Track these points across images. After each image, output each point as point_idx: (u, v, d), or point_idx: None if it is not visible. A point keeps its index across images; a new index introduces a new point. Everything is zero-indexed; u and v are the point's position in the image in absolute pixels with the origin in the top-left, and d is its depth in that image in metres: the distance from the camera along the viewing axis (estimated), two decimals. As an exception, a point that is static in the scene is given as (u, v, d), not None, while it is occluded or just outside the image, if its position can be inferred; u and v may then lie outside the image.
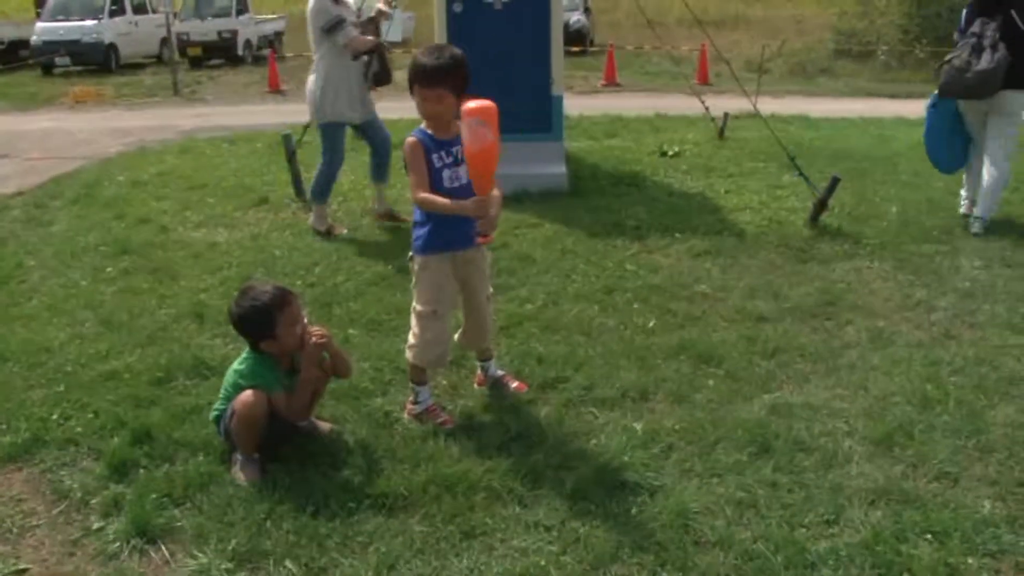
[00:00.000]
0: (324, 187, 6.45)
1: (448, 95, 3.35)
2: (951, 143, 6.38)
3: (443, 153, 3.41)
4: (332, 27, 6.08)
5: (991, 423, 3.49)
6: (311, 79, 6.36)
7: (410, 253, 3.61)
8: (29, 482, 3.25)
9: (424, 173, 3.39)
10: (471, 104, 3.14)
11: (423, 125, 3.46)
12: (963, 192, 6.51)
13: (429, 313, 3.52)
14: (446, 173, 3.42)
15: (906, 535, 2.80)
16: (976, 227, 6.07)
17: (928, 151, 6.54)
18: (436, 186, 3.40)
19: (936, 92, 6.26)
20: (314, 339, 3.27)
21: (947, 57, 6.07)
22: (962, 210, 6.44)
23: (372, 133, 6.62)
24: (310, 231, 6.47)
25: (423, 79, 3.36)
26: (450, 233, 3.46)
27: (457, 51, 3.41)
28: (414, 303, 3.58)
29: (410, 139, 3.43)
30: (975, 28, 5.90)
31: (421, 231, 3.52)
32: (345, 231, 6.48)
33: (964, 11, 6.18)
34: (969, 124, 6.29)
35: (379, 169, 6.70)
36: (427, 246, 3.51)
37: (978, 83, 5.85)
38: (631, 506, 2.98)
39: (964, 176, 6.53)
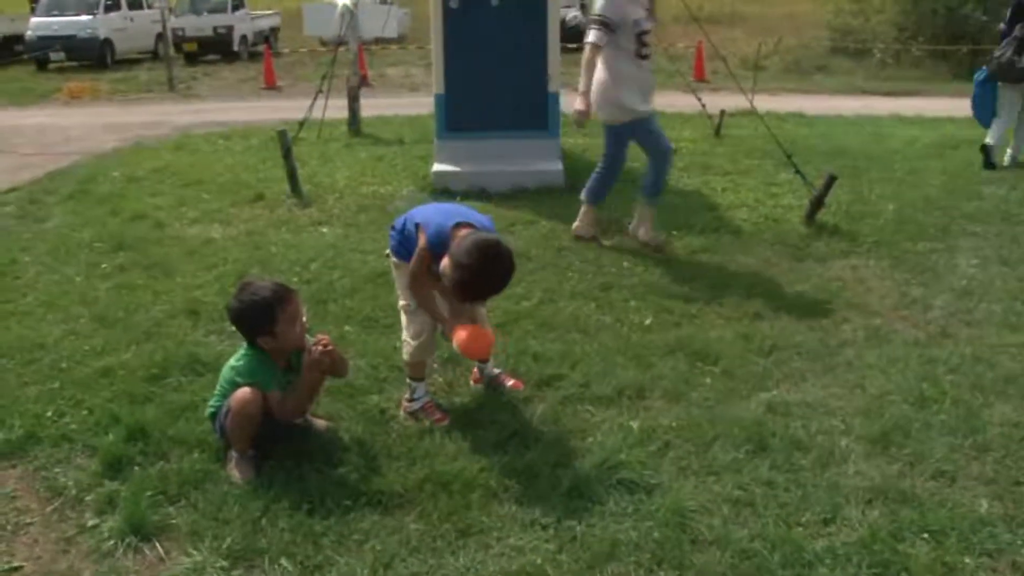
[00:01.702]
0: (599, 190, 5.93)
1: None
2: (988, 107, 8.57)
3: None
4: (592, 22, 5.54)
5: (988, 422, 3.49)
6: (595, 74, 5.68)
7: (386, 251, 3.69)
8: (23, 479, 3.23)
9: (426, 275, 3.38)
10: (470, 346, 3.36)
11: (444, 265, 3.21)
12: (1009, 151, 8.47)
13: (406, 307, 3.60)
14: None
15: (903, 534, 2.79)
16: (1007, 160, 8.36)
17: (975, 112, 8.76)
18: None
19: (984, 68, 8.58)
20: (320, 348, 3.25)
21: (996, 53, 8.33)
22: (1006, 161, 8.36)
23: (651, 140, 5.75)
24: (307, 227, 6.45)
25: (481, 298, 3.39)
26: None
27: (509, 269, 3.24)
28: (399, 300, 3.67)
29: (424, 246, 3.35)
30: (1017, 32, 8.07)
31: (396, 235, 3.59)
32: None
33: (1008, 12, 8.46)
34: (1004, 99, 8.36)
35: (653, 184, 5.80)
36: (398, 252, 3.59)
37: (1021, 73, 8.13)
38: (628, 504, 2.97)
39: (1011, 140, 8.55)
